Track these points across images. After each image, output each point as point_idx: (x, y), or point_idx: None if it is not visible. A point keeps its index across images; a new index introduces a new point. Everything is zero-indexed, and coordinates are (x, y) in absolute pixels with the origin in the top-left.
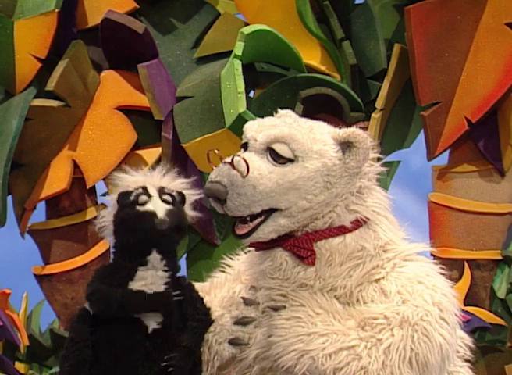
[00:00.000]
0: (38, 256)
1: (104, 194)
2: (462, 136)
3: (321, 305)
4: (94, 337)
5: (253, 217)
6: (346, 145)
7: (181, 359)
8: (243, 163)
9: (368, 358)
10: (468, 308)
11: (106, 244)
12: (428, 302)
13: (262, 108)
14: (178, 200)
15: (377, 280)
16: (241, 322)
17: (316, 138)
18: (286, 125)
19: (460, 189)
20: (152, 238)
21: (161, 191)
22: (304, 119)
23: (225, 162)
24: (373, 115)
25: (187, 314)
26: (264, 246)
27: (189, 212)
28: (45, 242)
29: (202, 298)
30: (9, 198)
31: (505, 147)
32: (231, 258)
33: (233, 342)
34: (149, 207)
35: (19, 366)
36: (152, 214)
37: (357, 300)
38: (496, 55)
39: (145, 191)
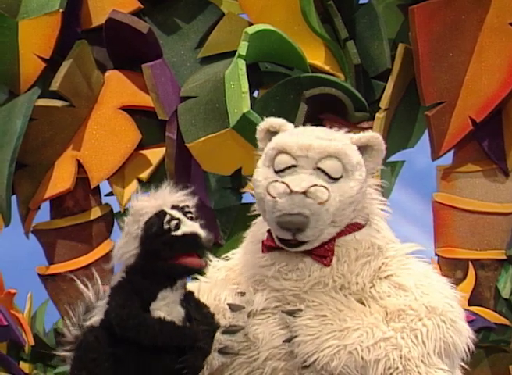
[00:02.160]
0: (42, 256)
1: (108, 194)
2: (466, 136)
3: (343, 302)
4: (114, 354)
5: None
6: (364, 149)
7: (196, 360)
8: (324, 190)
9: (407, 348)
10: (473, 308)
11: (110, 244)
12: (445, 295)
13: (266, 108)
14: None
15: (387, 277)
16: (229, 331)
17: (352, 148)
18: (332, 139)
19: (464, 189)
20: (192, 267)
21: (183, 210)
22: (328, 129)
23: (295, 192)
24: (377, 115)
25: (195, 320)
26: (277, 247)
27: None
28: (49, 242)
29: (206, 304)
30: (14, 198)
31: (509, 147)
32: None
33: (223, 351)
34: (188, 229)
35: (24, 366)
36: (197, 235)
37: (372, 296)
38: (500, 54)
39: (169, 214)
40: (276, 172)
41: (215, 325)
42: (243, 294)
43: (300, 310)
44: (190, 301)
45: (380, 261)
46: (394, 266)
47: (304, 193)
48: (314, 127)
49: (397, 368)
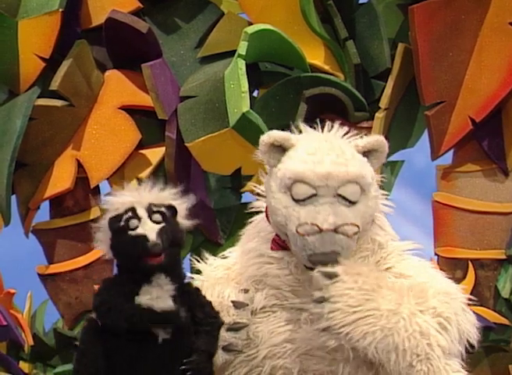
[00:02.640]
0: (42, 256)
1: (107, 194)
2: (466, 135)
3: (378, 276)
4: (105, 348)
5: None
6: (369, 152)
7: (201, 363)
8: (354, 227)
9: (436, 336)
10: (472, 308)
11: None
12: (447, 283)
13: (266, 108)
14: (169, 214)
15: (388, 269)
16: (233, 328)
17: (365, 164)
18: (347, 161)
19: (464, 188)
20: (148, 263)
21: (150, 210)
22: (338, 144)
23: (325, 230)
24: (377, 114)
25: (198, 318)
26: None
27: (183, 221)
28: (49, 242)
29: (210, 302)
30: (13, 198)
31: (509, 146)
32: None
33: (227, 349)
34: (140, 231)
35: (23, 366)
36: (144, 238)
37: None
38: (500, 54)
39: (134, 213)
40: (295, 200)
41: (218, 324)
42: (246, 291)
43: (337, 275)
44: (193, 298)
45: (378, 256)
46: (392, 260)
47: (335, 230)
48: (322, 140)
49: (419, 355)
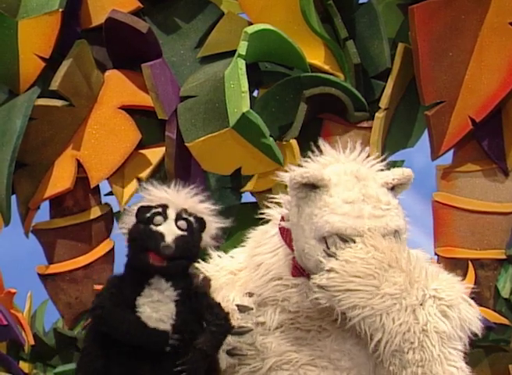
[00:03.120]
0: (42, 256)
1: (108, 194)
2: (466, 135)
3: (398, 257)
4: (105, 347)
5: None
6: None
7: (195, 361)
8: None
9: (434, 322)
10: None
11: (110, 243)
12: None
13: (266, 108)
14: (196, 226)
15: None
16: (238, 332)
17: (398, 209)
18: (385, 215)
19: (464, 188)
20: (151, 262)
21: (180, 215)
22: (373, 189)
23: None
24: (377, 114)
25: (206, 320)
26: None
27: (208, 239)
28: (49, 242)
29: (219, 303)
30: (13, 198)
31: (509, 146)
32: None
33: (231, 353)
34: (160, 229)
35: (24, 366)
36: (160, 236)
37: None
38: (500, 54)
39: (164, 211)
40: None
41: (226, 326)
42: (251, 294)
43: (354, 242)
44: (199, 301)
45: None
46: None
47: None
48: (354, 180)
49: (412, 343)
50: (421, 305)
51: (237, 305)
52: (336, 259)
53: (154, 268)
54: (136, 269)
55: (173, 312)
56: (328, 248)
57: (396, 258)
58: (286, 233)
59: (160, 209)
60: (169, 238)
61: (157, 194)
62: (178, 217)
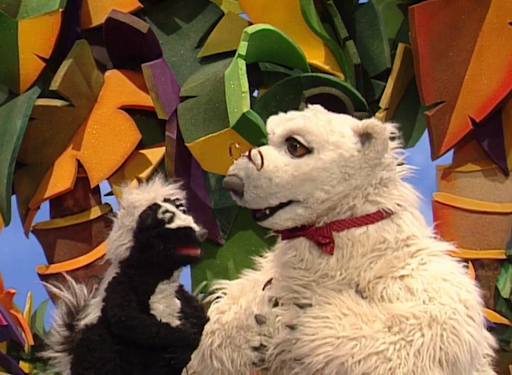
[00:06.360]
0: (42, 256)
1: (108, 194)
2: (466, 135)
3: (348, 306)
4: (115, 344)
5: (272, 210)
6: (365, 137)
7: (184, 352)
8: (259, 156)
9: (398, 360)
10: None
11: None
12: (455, 300)
13: (266, 108)
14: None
15: (402, 277)
16: (259, 349)
17: (333, 130)
18: (302, 118)
19: (464, 188)
20: (189, 256)
21: (174, 204)
22: (324, 112)
23: (243, 156)
24: (377, 114)
25: (184, 312)
26: (288, 235)
27: None
28: (49, 242)
29: (194, 297)
30: (13, 198)
31: (509, 146)
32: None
33: (255, 364)
34: (180, 222)
35: (24, 366)
36: (190, 229)
37: (382, 297)
38: (500, 54)
39: (160, 206)
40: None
41: (204, 318)
42: (275, 303)
43: (311, 305)
44: (181, 293)
45: (393, 257)
46: (413, 265)
47: (249, 157)
48: (310, 109)
49: None
50: (389, 343)
51: (256, 317)
52: (294, 330)
53: (191, 259)
54: (157, 267)
55: (178, 306)
56: None
57: (352, 305)
58: None
59: (161, 208)
60: (195, 226)
61: (140, 197)
62: (175, 205)
